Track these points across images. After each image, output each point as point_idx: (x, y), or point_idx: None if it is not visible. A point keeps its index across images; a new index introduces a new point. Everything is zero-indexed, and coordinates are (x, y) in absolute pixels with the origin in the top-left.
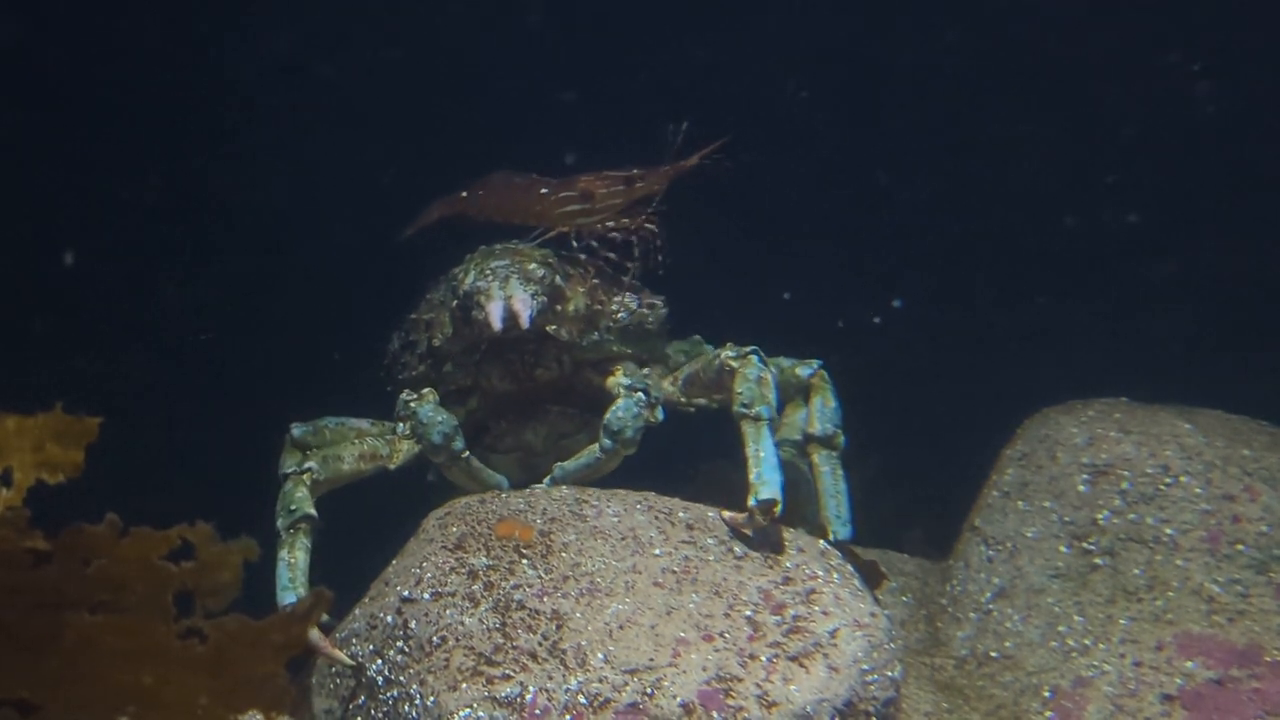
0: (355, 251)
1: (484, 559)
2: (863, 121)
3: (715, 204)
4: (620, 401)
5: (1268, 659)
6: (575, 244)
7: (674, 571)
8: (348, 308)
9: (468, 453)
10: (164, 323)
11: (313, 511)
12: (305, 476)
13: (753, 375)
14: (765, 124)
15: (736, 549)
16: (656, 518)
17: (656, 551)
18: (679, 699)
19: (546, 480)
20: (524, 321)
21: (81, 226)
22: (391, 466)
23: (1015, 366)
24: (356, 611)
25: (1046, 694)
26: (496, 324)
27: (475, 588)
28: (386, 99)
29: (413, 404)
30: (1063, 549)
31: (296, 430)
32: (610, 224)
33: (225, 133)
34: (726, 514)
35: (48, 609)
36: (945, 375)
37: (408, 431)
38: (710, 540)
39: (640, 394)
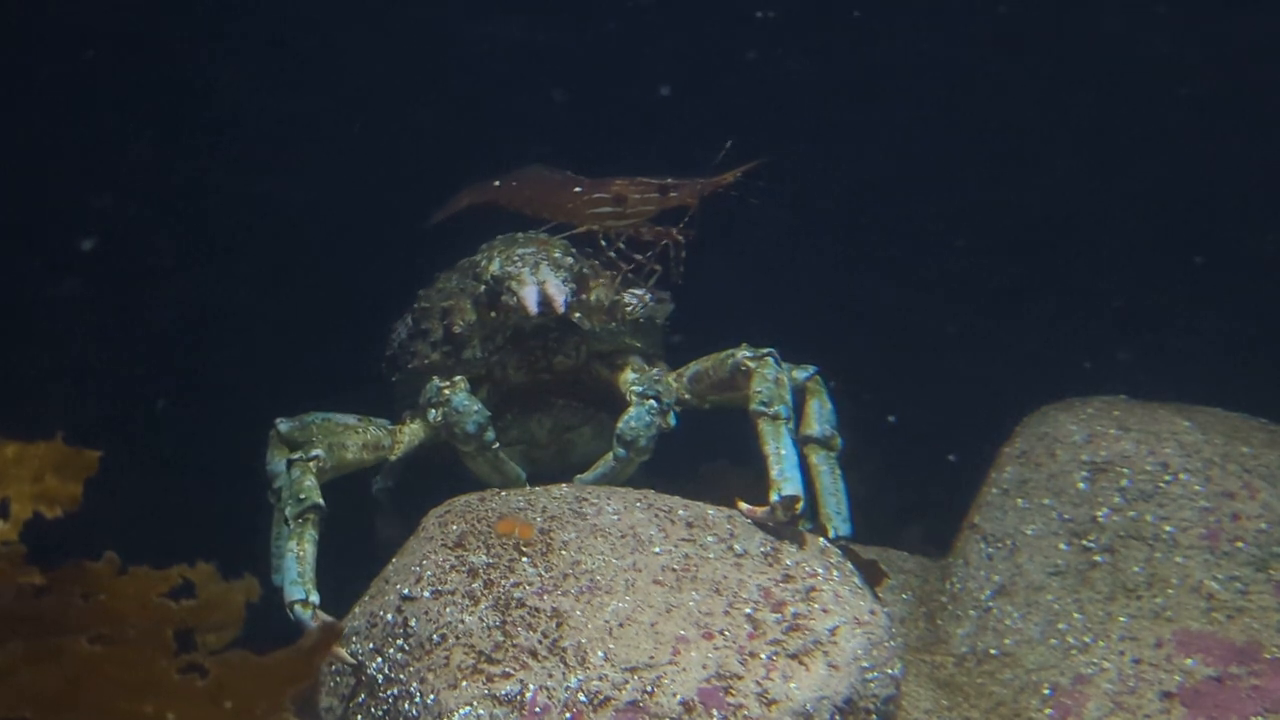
0: (351, 251)
1: (484, 557)
2: (864, 121)
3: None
4: (632, 410)
5: (1267, 656)
6: (604, 243)
7: (674, 569)
8: (344, 304)
9: (497, 444)
10: (160, 321)
11: (321, 501)
12: (312, 464)
13: (771, 375)
14: (766, 123)
15: (736, 547)
16: (656, 515)
17: (656, 549)
18: (679, 697)
19: None
20: (559, 306)
21: (80, 225)
22: (393, 457)
23: (1015, 365)
24: (356, 609)
25: (1046, 691)
26: (532, 308)
27: (475, 586)
28: (386, 97)
29: (446, 391)
30: (1062, 546)
31: (283, 425)
32: (643, 230)
33: (222, 132)
34: (745, 506)
35: (48, 635)
36: (945, 373)
37: (439, 418)
38: (710, 538)
39: (653, 401)
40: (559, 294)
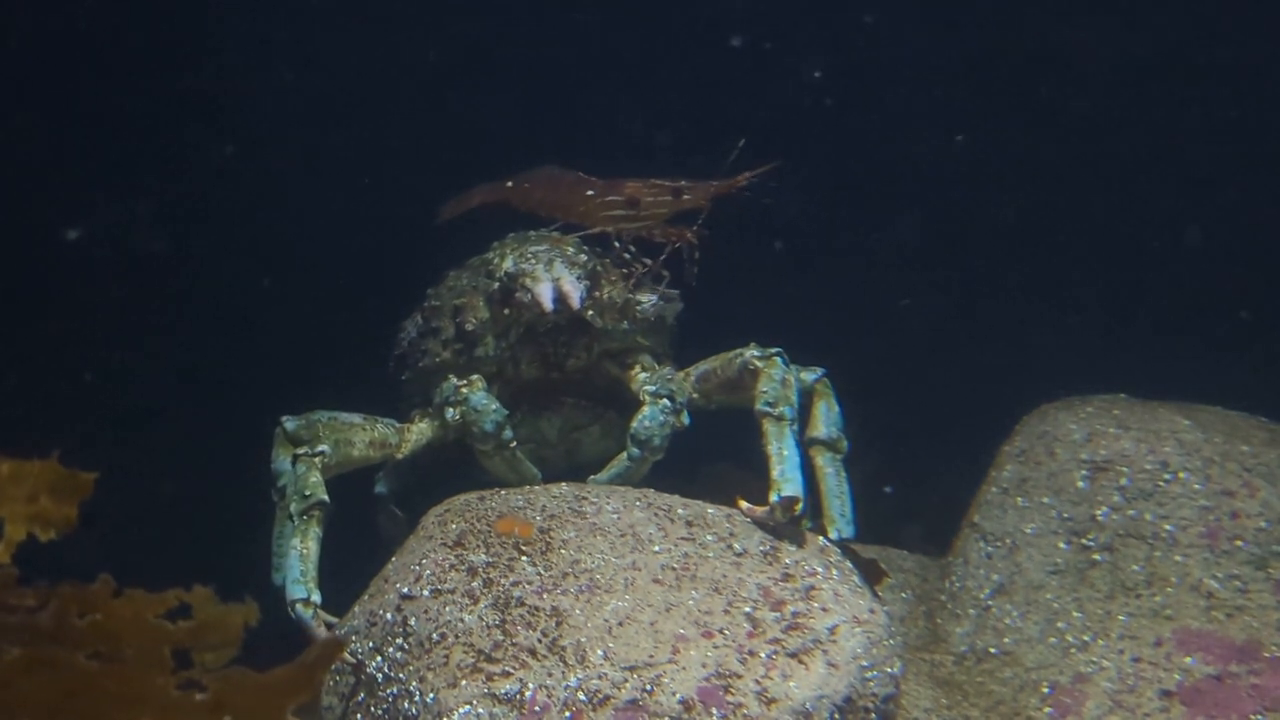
0: (357, 249)
1: (483, 556)
2: (864, 123)
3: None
4: (646, 409)
5: (1266, 655)
6: (617, 244)
7: (673, 568)
8: (350, 302)
9: (515, 443)
10: (165, 320)
11: (327, 498)
12: (318, 460)
13: (778, 376)
14: (770, 122)
15: (735, 546)
16: (656, 515)
17: (656, 548)
18: (679, 695)
19: None
20: (575, 303)
21: (80, 224)
22: (399, 455)
23: (1015, 364)
24: (356, 609)
25: (1045, 690)
26: (548, 305)
27: (475, 585)
28: (387, 96)
29: (464, 390)
30: (1062, 545)
31: (289, 424)
32: (655, 231)
33: (228, 129)
34: (745, 505)
35: (43, 648)
36: (945, 372)
37: (457, 417)
38: (709, 537)
39: (666, 400)
40: (574, 291)
